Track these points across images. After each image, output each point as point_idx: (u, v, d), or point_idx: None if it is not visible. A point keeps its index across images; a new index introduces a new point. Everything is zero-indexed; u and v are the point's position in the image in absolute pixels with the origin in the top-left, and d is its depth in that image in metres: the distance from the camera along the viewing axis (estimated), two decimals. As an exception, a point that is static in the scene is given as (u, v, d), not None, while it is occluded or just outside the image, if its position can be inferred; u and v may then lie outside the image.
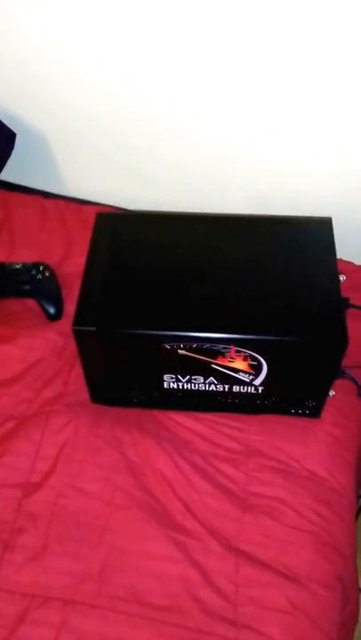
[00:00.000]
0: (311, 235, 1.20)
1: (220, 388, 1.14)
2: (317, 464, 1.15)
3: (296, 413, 1.19)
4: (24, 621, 0.97)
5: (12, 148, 1.55)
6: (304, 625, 0.99)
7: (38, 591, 1.00)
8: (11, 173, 1.62)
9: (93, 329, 1.06)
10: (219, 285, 1.11)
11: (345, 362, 1.10)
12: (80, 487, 1.10)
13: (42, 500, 1.08)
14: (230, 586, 1.01)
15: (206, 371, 1.10)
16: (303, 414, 1.19)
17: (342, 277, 1.12)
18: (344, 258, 1.28)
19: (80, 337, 1.07)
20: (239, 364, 1.08)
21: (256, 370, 1.09)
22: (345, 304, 1.15)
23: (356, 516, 1.17)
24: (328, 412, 1.20)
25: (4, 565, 1.02)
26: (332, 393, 1.16)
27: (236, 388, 1.14)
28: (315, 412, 1.19)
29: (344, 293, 1.10)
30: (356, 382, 1.23)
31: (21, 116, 1.56)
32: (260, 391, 1.14)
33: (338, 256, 1.15)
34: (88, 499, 1.09)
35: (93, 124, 1.52)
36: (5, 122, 1.53)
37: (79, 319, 1.06)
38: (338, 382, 1.17)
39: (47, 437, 1.15)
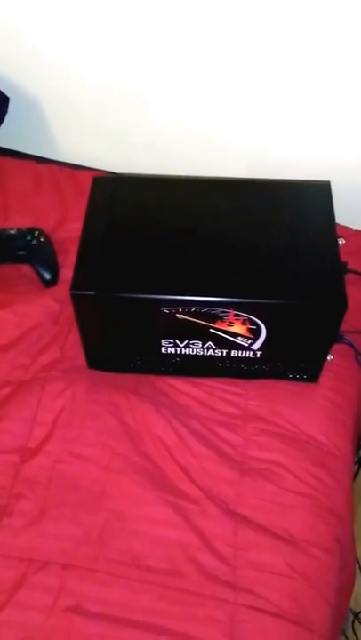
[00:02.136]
0: (310, 198, 1.17)
1: (218, 352, 1.12)
2: (315, 428, 1.13)
3: (294, 378, 1.17)
4: (22, 586, 0.95)
5: (5, 112, 1.51)
6: (302, 588, 0.98)
7: (36, 556, 0.98)
8: (4, 138, 1.58)
9: (91, 293, 1.03)
10: (218, 249, 1.08)
11: (342, 326, 1.08)
12: (78, 452, 1.07)
13: (39, 466, 1.06)
14: (229, 549, 1.00)
15: (204, 335, 1.08)
16: (301, 379, 1.17)
17: (341, 241, 1.10)
18: (342, 223, 1.25)
19: (77, 301, 1.05)
20: (238, 328, 1.06)
21: (255, 334, 1.07)
22: (344, 268, 1.12)
23: (353, 479, 1.15)
24: (326, 377, 1.18)
25: (2, 531, 1.00)
26: (330, 357, 1.14)
27: (234, 353, 1.12)
28: (313, 377, 1.18)
29: (342, 258, 1.08)
30: (353, 347, 1.21)
31: (15, 80, 1.52)
32: (258, 356, 1.12)
33: (336, 221, 1.12)
34: (86, 464, 1.06)
35: (88, 89, 1.48)
36: (-1, 86, 1.49)
37: (77, 283, 1.03)
38: (336, 347, 1.15)
39: (44, 403, 1.12)
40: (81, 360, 1.17)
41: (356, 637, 1.35)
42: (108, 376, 1.17)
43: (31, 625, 0.92)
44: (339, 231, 1.11)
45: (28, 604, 0.94)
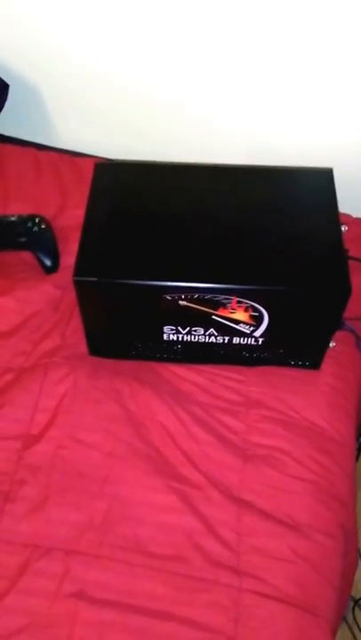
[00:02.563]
0: (312, 185, 1.16)
1: (220, 339, 1.11)
2: (317, 414, 1.12)
3: (296, 365, 1.17)
4: (26, 572, 0.95)
5: (5, 99, 1.50)
6: (307, 573, 0.97)
7: (40, 542, 0.97)
8: (4, 126, 1.56)
9: (94, 279, 1.02)
10: (220, 236, 1.07)
11: (344, 314, 1.07)
12: (80, 438, 1.07)
13: (42, 452, 1.05)
14: (233, 535, 0.99)
15: (207, 322, 1.08)
16: (303, 366, 1.17)
17: (344, 228, 1.09)
18: (344, 210, 1.24)
19: (80, 288, 1.04)
20: (240, 315, 1.05)
21: (257, 321, 1.06)
22: (347, 255, 1.11)
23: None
24: (328, 364, 1.17)
25: (5, 517, 1.00)
26: (332, 344, 1.14)
27: (236, 340, 1.11)
28: (315, 364, 1.17)
29: (344, 245, 1.07)
30: (355, 334, 1.20)
31: (15, 67, 1.51)
32: (260, 343, 1.12)
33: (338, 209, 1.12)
34: (88, 450, 1.06)
35: (88, 75, 1.47)
36: (-2, 74, 1.48)
37: (79, 270, 1.02)
38: (338, 334, 1.15)
39: (46, 389, 1.11)
40: (82, 347, 1.17)
41: (357, 624, 1.35)
42: (110, 363, 1.16)
43: (34, 611, 0.92)
44: (341, 218, 1.10)
45: (31, 590, 0.93)
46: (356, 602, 1.35)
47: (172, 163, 1.21)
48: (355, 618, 1.35)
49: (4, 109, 1.50)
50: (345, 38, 1.23)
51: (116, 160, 1.50)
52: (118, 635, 0.90)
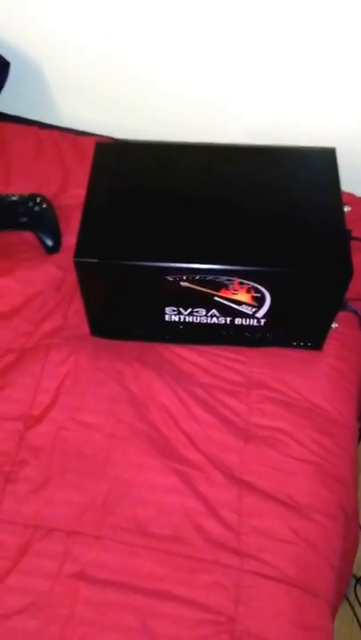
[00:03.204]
0: (315, 165, 1.15)
1: (222, 320, 1.11)
2: (319, 396, 1.12)
3: (298, 346, 1.16)
4: (27, 552, 0.95)
5: (5, 77, 1.48)
6: (307, 554, 0.98)
7: (41, 522, 0.98)
8: (5, 104, 1.55)
9: (95, 260, 1.01)
10: (222, 216, 1.06)
11: (347, 294, 1.06)
12: (82, 419, 1.07)
13: (43, 433, 1.05)
14: (234, 516, 0.99)
15: (209, 303, 1.07)
16: (305, 347, 1.16)
17: (347, 208, 1.08)
18: (347, 190, 1.22)
19: (81, 269, 1.03)
20: (242, 296, 1.04)
21: (259, 302, 1.06)
22: (349, 235, 1.10)
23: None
24: (330, 345, 1.16)
25: (7, 497, 1.00)
26: (334, 325, 1.13)
27: (238, 321, 1.11)
28: (317, 345, 1.16)
29: (347, 226, 1.06)
30: (358, 314, 1.19)
31: (16, 45, 1.49)
32: (262, 324, 1.11)
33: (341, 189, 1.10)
34: (90, 431, 1.06)
35: (89, 53, 1.45)
36: (-1, 51, 1.46)
37: (80, 251, 1.01)
38: (340, 315, 1.14)
39: (47, 370, 1.11)
40: (84, 327, 1.16)
41: (359, 602, 1.35)
42: (112, 344, 1.16)
43: (36, 591, 0.92)
44: (344, 198, 1.09)
45: (33, 571, 0.94)
46: (357, 580, 1.36)
47: (173, 142, 1.19)
48: (356, 596, 1.35)
49: (5, 88, 1.48)
50: (347, 17, 1.21)
51: (118, 139, 1.49)
52: (119, 614, 0.91)
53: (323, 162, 1.14)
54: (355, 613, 1.34)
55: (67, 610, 0.91)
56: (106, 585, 0.93)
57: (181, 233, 1.04)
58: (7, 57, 1.47)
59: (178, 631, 0.90)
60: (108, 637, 0.90)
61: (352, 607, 1.33)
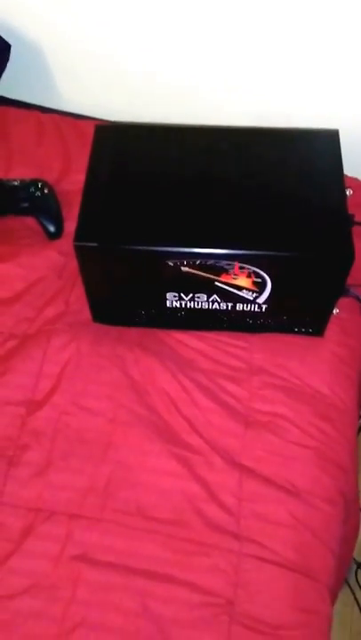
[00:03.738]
0: (317, 147, 1.16)
1: (223, 306, 1.13)
2: (320, 381, 1.14)
3: (299, 332, 1.18)
4: (30, 535, 0.98)
5: (6, 59, 1.49)
6: (307, 538, 1.00)
7: (43, 505, 1.01)
8: (6, 88, 1.56)
9: (95, 245, 1.03)
10: (222, 199, 1.08)
11: (348, 280, 1.08)
12: (83, 405, 1.09)
13: (45, 418, 1.08)
14: (234, 500, 1.02)
15: (209, 288, 1.09)
16: (307, 333, 1.18)
17: (349, 191, 1.09)
18: (350, 174, 1.25)
19: (81, 253, 1.05)
20: (243, 281, 1.06)
21: (260, 287, 1.08)
22: (351, 219, 1.11)
23: (358, 433, 1.17)
24: (331, 331, 1.18)
25: (9, 481, 1.03)
26: (336, 311, 1.15)
27: (239, 307, 1.13)
28: (318, 331, 1.18)
29: (349, 210, 1.07)
30: (359, 300, 1.21)
31: (17, 27, 1.50)
32: (263, 309, 1.13)
33: (343, 172, 1.11)
34: (91, 416, 1.08)
35: (91, 36, 1.47)
36: (0, 33, 1.47)
37: (80, 235, 1.03)
38: (342, 301, 1.16)
39: (49, 356, 1.14)
40: (86, 313, 1.18)
41: (360, 586, 1.39)
42: (114, 330, 1.18)
43: (38, 572, 0.95)
44: (347, 182, 1.10)
45: (35, 553, 0.97)
46: (358, 565, 1.39)
47: (175, 124, 1.20)
48: (358, 581, 1.39)
49: (6, 71, 1.50)
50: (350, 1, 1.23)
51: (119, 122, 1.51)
52: (119, 596, 0.94)
53: (325, 144, 1.15)
54: (355, 598, 1.37)
55: (68, 591, 0.94)
56: (107, 567, 0.96)
57: (182, 217, 1.06)
58: (8, 40, 1.48)
59: (177, 613, 0.93)
60: (108, 618, 0.93)
61: (353, 592, 1.36)
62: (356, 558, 1.37)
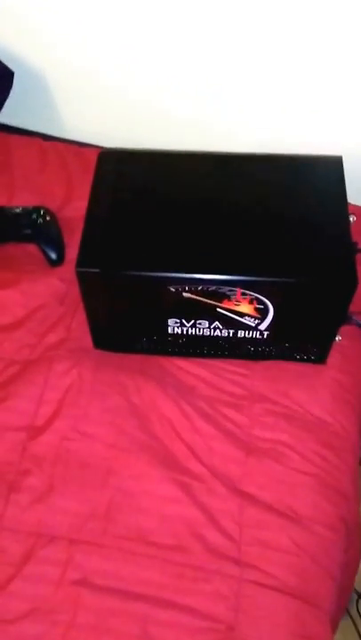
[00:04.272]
0: (320, 174, 1.22)
1: (224, 333, 1.18)
2: (322, 409, 1.20)
3: (301, 359, 1.24)
4: (30, 559, 1.04)
5: (10, 86, 1.57)
6: (308, 565, 1.06)
7: (44, 530, 1.06)
8: (9, 115, 1.64)
9: (96, 270, 1.09)
10: (225, 226, 1.14)
11: (351, 308, 1.14)
12: (84, 431, 1.15)
13: (46, 443, 1.14)
14: (235, 526, 1.07)
15: (211, 315, 1.14)
16: (309, 360, 1.24)
17: (353, 218, 1.15)
18: (353, 201, 1.28)
19: (83, 279, 1.11)
20: (245, 307, 1.12)
21: (262, 314, 1.13)
22: (355, 246, 1.16)
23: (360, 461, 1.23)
24: (333, 358, 1.25)
25: (10, 506, 1.09)
26: (338, 338, 1.21)
27: (241, 333, 1.18)
28: (320, 359, 1.24)
29: (352, 238, 1.12)
30: (362, 328, 1.27)
31: (20, 54, 1.58)
32: (265, 336, 1.18)
33: (347, 199, 1.17)
34: (93, 442, 1.14)
35: (93, 64, 1.55)
36: (3, 60, 1.55)
37: (82, 260, 1.09)
38: (344, 328, 1.21)
39: (51, 382, 1.20)
40: (87, 340, 1.25)
41: (361, 617, 1.45)
42: (115, 356, 1.25)
43: (39, 596, 1.01)
44: (350, 209, 1.16)
45: (35, 577, 1.02)
46: (359, 595, 1.44)
47: (177, 151, 1.26)
48: (358, 611, 1.44)
49: (9, 98, 1.58)
50: (353, 28, 1.29)
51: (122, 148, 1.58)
52: (120, 621, 0.99)
53: (329, 170, 1.21)
54: (357, 629, 1.42)
55: (68, 615, 0.99)
56: (107, 592, 1.01)
57: (184, 242, 1.12)
58: (11, 66, 1.56)
59: (178, 638, 0.98)
60: (108, 643, 0.98)
61: (354, 623, 1.41)
62: (358, 589, 1.42)
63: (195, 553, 1.05)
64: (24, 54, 1.59)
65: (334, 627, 1.06)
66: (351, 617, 1.42)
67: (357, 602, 1.43)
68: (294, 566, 1.05)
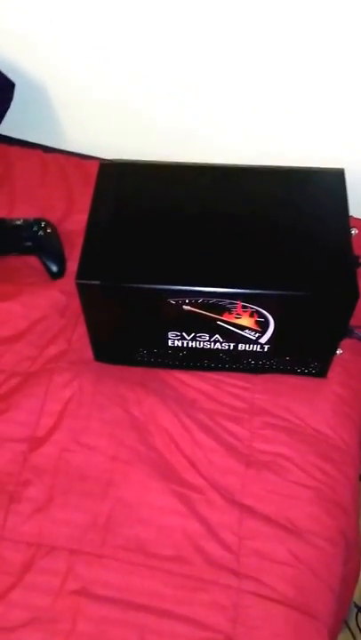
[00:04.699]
0: (322, 186, 1.26)
1: (225, 346, 1.23)
2: (322, 422, 1.26)
3: (302, 373, 1.30)
4: (30, 569, 1.09)
5: (10, 98, 1.63)
6: (306, 577, 1.11)
7: (44, 541, 1.12)
8: (10, 127, 1.70)
9: (97, 283, 1.14)
10: (225, 237, 1.18)
11: (352, 321, 1.19)
12: (85, 442, 1.21)
13: (47, 455, 1.20)
14: (233, 538, 1.13)
15: (212, 328, 1.19)
16: (309, 374, 1.30)
17: (354, 231, 1.19)
18: (355, 215, 1.31)
19: (83, 291, 1.16)
20: (246, 320, 1.16)
21: (263, 327, 1.18)
22: (356, 260, 1.20)
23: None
24: (334, 372, 1.30)
25: (10, 516, 1.14)
26: (339, 351, 1.26)
27: (241, 347, 1.23)
28: (321, 372, 1.29)
29: (354, 252, 1.17)
30: (363, 341, 1.33)
31: (21, 67, 1.64)
32: (265, 350, 1.23)
33: (349, 212, 1.21)
34: (93, 453, 1.20)
35: (95, 76, 1.60)
36: (4, 72, 1.60)
37: (82, 272, 1.14)
38: (345, 342, 1.26)
39: (51, 394, 1.26)
40: (88, 352, 1.31)
41: (360, 630, 1.50)
42: (116, 369, 1.31)
43: (39, 606, 1.06)
44: (351, 222, 1.20)
45: (35, 587, 1.08)
46: (359, 608, 1.49)
47: (178, 163, 1.31)
48: (358, 624, 1.50)
49: (10, 110, 1.64)
50: (354, 37, 1.34)
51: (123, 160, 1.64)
52: (119, 630, 1.05)
53: (331, 183, 1.25)
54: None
55: (68, 625, 1.05)
56: (107, 602, 1.07)
57: (184, 255, 1.16)
58: (12, 78, 1.62)
59: (177, 648, 1.04)
60: (108, 652, 1.04)
61: (353, 636, 1.47)
62: (357, 602, 1.48)
63: (194, 564, 1.11)
64: (25, 66, 1.65)
65: (332, 638, 1.11)
66: (350, 630, 1.47)
67: (357, 615, 1.49)
68: (293, 578, 1.11)
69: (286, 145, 1.56)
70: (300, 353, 1.27)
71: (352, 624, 1.48)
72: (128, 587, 1.09)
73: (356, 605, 1.48)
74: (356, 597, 1.31)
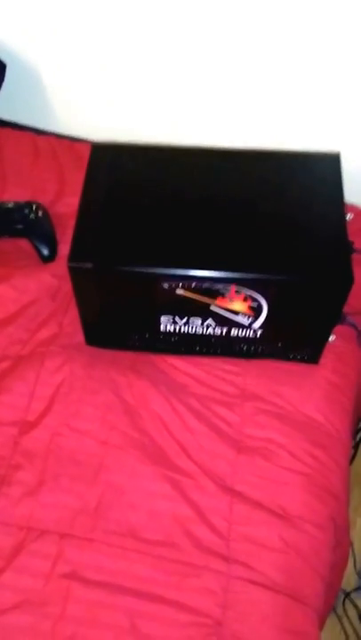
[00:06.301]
0: (318, 170, 1.27)
1: (217, 331, 1.25)
2: (314, 409, 1.28)
3: (295, 359, 1.31)
4: (20, 553, 1.11)
5: (2, 79, 1.63)
6: (296, 562, 1.13)
7: (34, 524, 1.13)
8: (1, 109, 1.71)
9: (89, 265, 1.15)
10: (219, 222, 1.19)
11: (345, 308, 1.20)
12: (76, 427, 1.23)
13: (38, 438, 1.21)
14: (224, 523, 1.15)
15: (204, 312, 1.20)
16: (302, 360, 1.31)
17: (349, 216, 1.20)
18: (350, 200, 1.30)
19: (75, 274, 1.17)
20: (239, 305, 1.18)
21: (256, 312, 1.19)
22: (351, 245, 1.20)
23: (351, 462, 1.30)
24: (327, 358, 1.32)
25: (1, 499, 1.16)
26: (332, 338, 1.27)
27: (234, 332, 1.25)
28: (313, 358, 1.31)
29: (349, 236, 1.18)
30: (356, 328, 1.34)
31: (13, 47, 1.64)
32: (258, 335, 1.25)
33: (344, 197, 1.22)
34: (84, 438, 1.22)
35: (88, 57, 1.60)
36: (-4, 52, 1.61)
37: (74, 255, 1.15)
38: (338, 328, 1.28)
39: (42, 378, 1.27)
40: (79, 336, 1.32)
41: (347, 615, 1.53)
42: (107, 353, 1.32)
43: (29, 589, 1.08)
44: (346, 208, 1.21)
45: (26, 570, 1.09)
46: (346, 595, 1.53)
47: (172, 145, 1.32)
48: (345, 610, 1.53)
49: (1, 91, 1.63)
50: (352, 24, 1.34)
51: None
52: (109, 613, 1.06)
53: (326, 167, 1.27)
54: (343, 626, 1.51)
55: (58, 608, 1.06)
56: (97, 585, 1.08)
57: (177, 238, 1.17)
58: (4, 59, 1.62)
59: (166, 632, 1.06)
60: (97, 635, 1.05)
61: (340, 620, 1.50)
62: (344, 588, 1.51)
63: (184, 549, 1.12)
64: (17, 46, 1.64)
65: (321, 624, 1.13)
66: (337, 615, 1.50)
67: (344, 600, 1.52)
68: (282, 563, 1.12)
69: (282, 128, 1.57)
70: (292, 339, 1.28)
71: (339, 609, 1.51)
72: (118, 571, 1.10)
73: (343, 591, 1.51)
74: (343, 583, 1.33)
